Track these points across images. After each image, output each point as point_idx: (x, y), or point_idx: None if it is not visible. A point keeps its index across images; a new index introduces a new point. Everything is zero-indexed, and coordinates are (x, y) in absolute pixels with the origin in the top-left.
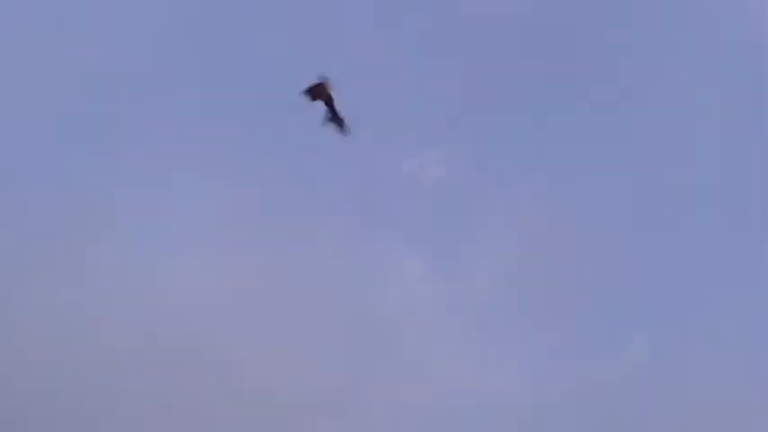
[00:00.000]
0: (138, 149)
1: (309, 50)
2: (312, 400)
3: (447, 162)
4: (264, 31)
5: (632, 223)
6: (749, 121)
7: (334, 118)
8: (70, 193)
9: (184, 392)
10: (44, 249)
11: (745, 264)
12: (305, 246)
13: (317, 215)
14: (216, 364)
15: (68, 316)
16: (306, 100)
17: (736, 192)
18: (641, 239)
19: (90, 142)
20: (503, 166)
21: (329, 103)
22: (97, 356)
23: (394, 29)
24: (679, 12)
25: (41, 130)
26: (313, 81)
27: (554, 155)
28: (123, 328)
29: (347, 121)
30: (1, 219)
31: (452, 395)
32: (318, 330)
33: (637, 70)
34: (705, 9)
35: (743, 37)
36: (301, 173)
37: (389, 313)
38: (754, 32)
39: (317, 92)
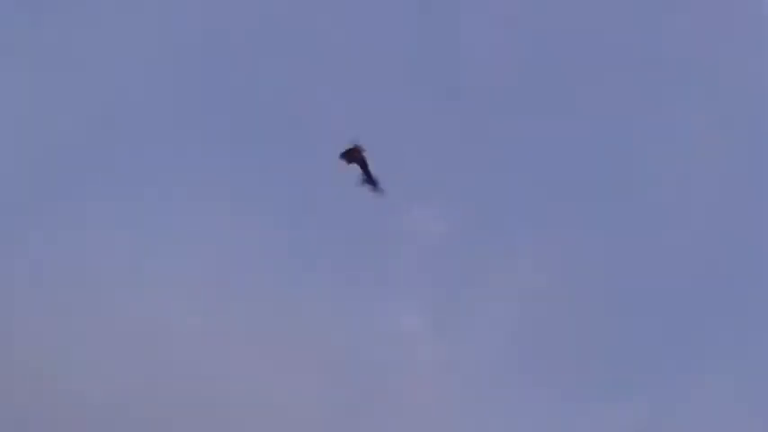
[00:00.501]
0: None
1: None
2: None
3: (447, 218)
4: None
5: (634, 283)
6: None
7: (369, 179)
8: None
9: None
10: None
11: (745, 330)
12: (303, 299)
13: (317, 266)
14: (204, 407)
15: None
16: (341, 163)
17: (736, 267)
18: (643, 300)
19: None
20: (503, 223)
21: (363, 165)
22: (78, 401)
23: (397, 82)
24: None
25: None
26: (347, 145)
27: (555, 213)
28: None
29: (380, 182)
30: None
31: None
32: (315, 384)
33: (639, 127)
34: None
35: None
36: (301, 223)
37: (387, 370)
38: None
39: (352, 155)
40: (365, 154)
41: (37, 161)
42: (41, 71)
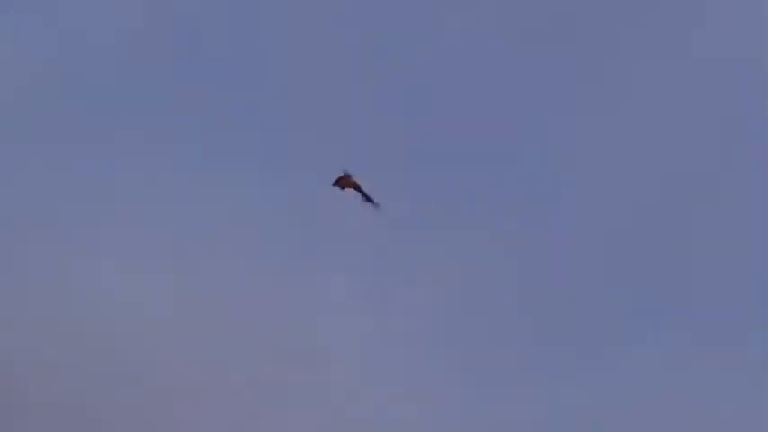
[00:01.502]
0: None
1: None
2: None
3: (382, 191)
4: None
5: (576, 274)
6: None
7: (366, 198)
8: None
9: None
10: None
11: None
12: (240, 267)
13: (258, 236)
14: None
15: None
16: (337, 191)
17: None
18: (585, 292)
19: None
20: (447, 205)
21: (357, 188)
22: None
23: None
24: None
25: None
26: (338, 174)
27: (498, 198)
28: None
29: (376, 199)
30: None
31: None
32: (241, 352)
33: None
34: None
35: None
36: (231, 194)
37: (315, 340)
38: None
39: (344, 182)
40: (355, 179)
41: None
42: None
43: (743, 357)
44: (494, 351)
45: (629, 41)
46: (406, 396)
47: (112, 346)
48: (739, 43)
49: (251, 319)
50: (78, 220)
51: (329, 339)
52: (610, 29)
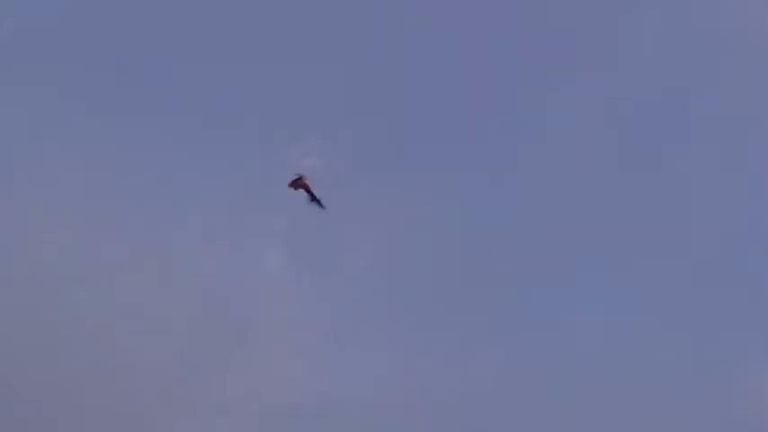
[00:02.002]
0: None
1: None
2: (161, 371)
3: (324, 152)
4: None
5: (509, 223)
6: None
7: (314, 199)
8: None
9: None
10: None
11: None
12: (173, 225)
13: (189, 196)
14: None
15: None
16: (290, 190)
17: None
18: (522, 241)
19: None
20: (384, 161)
21: (307, 190)
22: None
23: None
24: None
25: None
26: (293, 176)
27: (436, 152)
28: None
29: (323, 201)
30: None
31: (298, 392)
32: (186, 319)
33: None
34: None
35: None
36: (179, 164)
37: (248, 302)
38: None
39: (298, 184)
40: (307, 181)
41: None
42: None
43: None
44: (448, 303)
45: None
46: (359, 354)
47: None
48: None
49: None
50: None
51: (262, 307)
52: None
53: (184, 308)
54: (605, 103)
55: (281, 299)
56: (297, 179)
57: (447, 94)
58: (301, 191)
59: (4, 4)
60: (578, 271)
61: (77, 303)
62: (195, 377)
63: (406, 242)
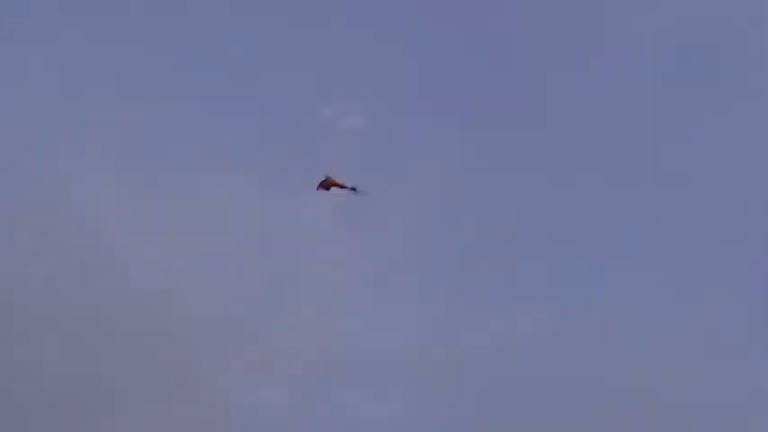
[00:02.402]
0: None
1: None
2: (210, 328)
3: (365, 112)
4: None
5: (546, 196)
6: None
7: (350, 189)
8: None
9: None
10: None
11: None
12: (219, 188)
13: (230, 157)
14: (119, 290)
15: None
16: (323, 190)
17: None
18: (546, 208)
19: None
20: (417, 123)
21: (339, 185)
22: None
23: None
24: None
25: None
26: (321, 179)
27: (466, 112)
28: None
29: (358, 188)
30: None
31: (345, 345)
32: (221, 268)
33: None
34: None
35: None
36: (220, 120)
37: (297, 259)
38: None
39: (327, 184)
40: (335, 180)
41: None
42: None
43: None
44: (469, 273)
45: None
46: (378, 320)
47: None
48: None
49: (225, 237)
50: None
51: (304, 263)
52: None
53: (232, 263)
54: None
55: (325, 252)
56: (324, 180)
57: (478, 55)
58: (333, 189)
59: None
60: (602, 238)
61: (127, 262)
62: (242, 331)
63: (442, 208)
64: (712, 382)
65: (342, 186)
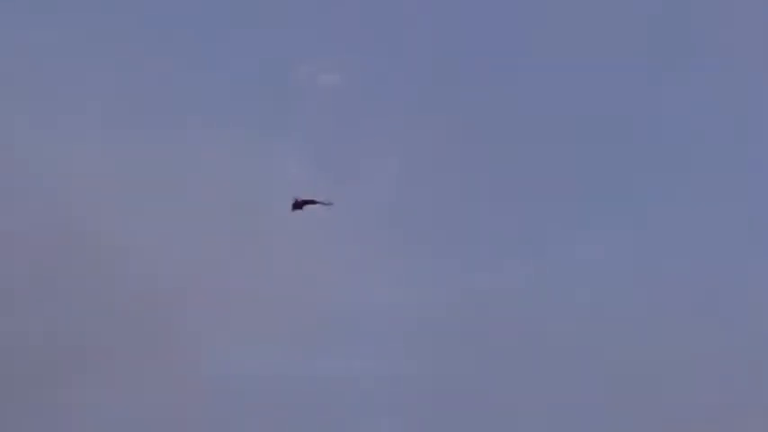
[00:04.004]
0: None
1: None
2: (184, 287)
3: (343, 67)
4: None
5: (528, 151)
6: None
7: (316, 203)
8: None
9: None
10: None
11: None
12: (197, 144)
13: (207, 113)
14: (95, 246)
15: None
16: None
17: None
18: (528, 170)
19: None
20: (396, 80)
21: (310, 202)
22: None
23: None
24: None
25: None
26: (294, 202)
27: (448, 77)
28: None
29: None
30: None
31: (336, 302)
32: (198, 225)
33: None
34: None
35: None
36: (200, 76)
37: (270, 216)
38: None
39: (299, 205)
40: (304, 198)
41: None
42: None
43: None
44: (451, 224)
45: None
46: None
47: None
48: None
49: (206, 187)
50: None
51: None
52: None
53: (209, 220)
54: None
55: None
56: (295, 202)
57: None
58: (303, 207)
59: None
60: (578, 195)
61: (102, 222)
62: (217, 290)
63: (420, 162)
64: (662, 339)
65: (314, 202)
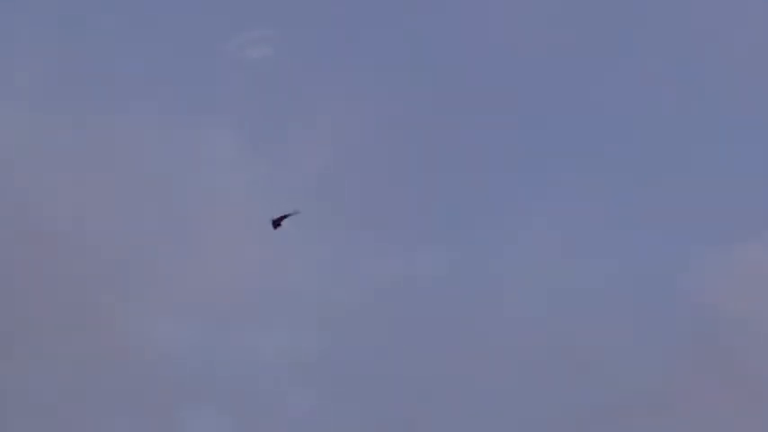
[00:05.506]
0: None
1: None
2: (110, 265)
3: (272, 42)
4: None
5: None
6: None
7: (288, 216)
8: None
9: None
10: None
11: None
12: (126, 122)
13: (134, 89)
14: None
15: None
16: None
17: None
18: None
19: None
20: (327, 52)
21: (284, 217)
22: None
23: None
24: None
25: None
26: (273, 220)
27: (378, 51)
28: None
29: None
30: None
31: (252, 284)
32: (136, 210)
33: None
34: None
35: None
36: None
37: (198, 192)
38: None
39: (277, 222)
40: (281, 217)
41: None
42: None
43: None
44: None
45: None
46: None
47: None
48: None
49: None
50: None
51: (209, 194)
52: None
53: (135, 196)
54: None
55: (232, 183)
56: (273, 222)
57: None
58: (281, 223)
59: None
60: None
61: (31, 199)
62: (142, 268)
63: (351, 136)
64: (580, 325)
65: (287, 216)
